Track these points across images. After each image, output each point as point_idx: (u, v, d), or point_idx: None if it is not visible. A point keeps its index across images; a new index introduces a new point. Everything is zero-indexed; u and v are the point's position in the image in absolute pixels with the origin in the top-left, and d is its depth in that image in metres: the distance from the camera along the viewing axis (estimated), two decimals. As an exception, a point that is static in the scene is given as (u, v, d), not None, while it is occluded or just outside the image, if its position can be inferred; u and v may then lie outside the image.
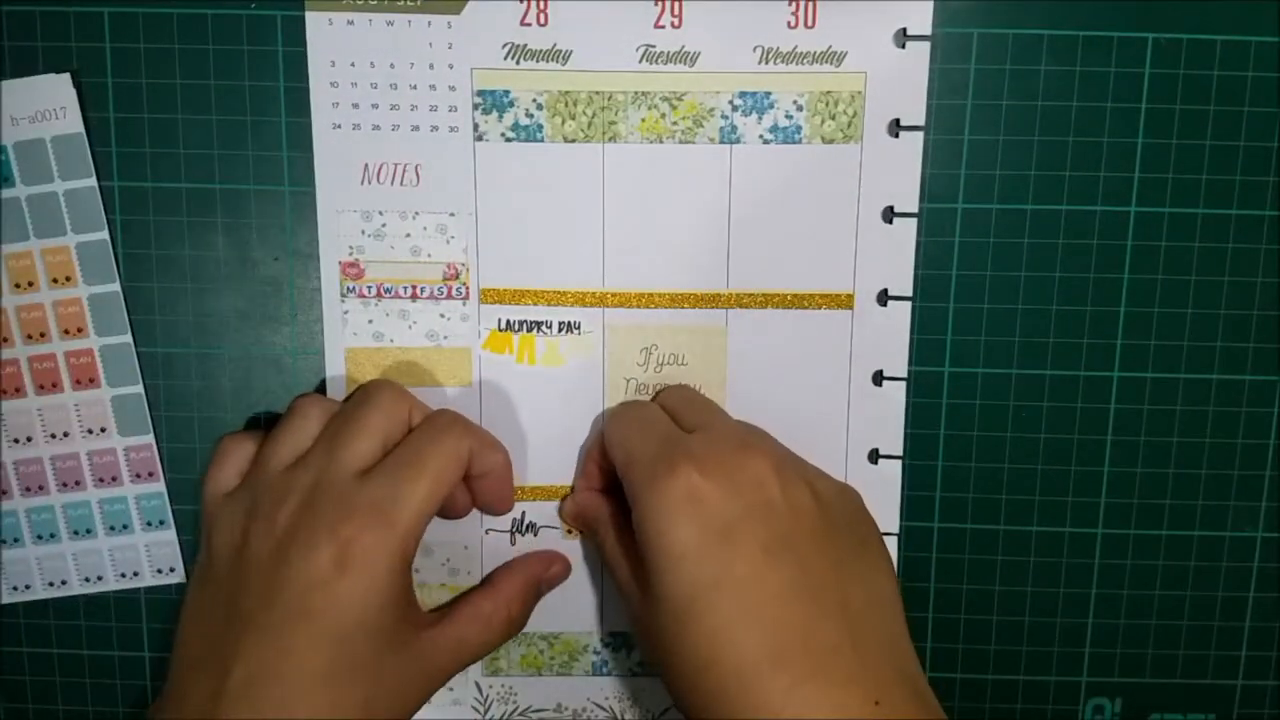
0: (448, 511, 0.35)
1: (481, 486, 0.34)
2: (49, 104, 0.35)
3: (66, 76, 0.35)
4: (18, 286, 0.36)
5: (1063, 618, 0.37)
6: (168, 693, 0.29)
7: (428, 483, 0.30)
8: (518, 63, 0.34)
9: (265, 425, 0.36)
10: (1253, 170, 0.35)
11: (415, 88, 0.34)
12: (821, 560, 0.28)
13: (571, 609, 0.37)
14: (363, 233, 0.35)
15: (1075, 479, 0.37)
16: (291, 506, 0.29)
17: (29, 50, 0.35)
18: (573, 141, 0.34)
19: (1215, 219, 0.35)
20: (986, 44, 0.34)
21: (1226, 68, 0.34)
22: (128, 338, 0.36)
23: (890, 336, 0.35)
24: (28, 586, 0.37)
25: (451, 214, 0.35)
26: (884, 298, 0.35)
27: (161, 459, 0.37)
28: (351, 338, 0.36)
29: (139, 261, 0.36)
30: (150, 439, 0.37)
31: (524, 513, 0.37)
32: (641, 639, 0.31)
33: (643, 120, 0.34)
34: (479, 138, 0.35)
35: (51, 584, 0.37)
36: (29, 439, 0.36)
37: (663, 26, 0.34)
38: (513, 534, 0.37)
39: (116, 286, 0.36)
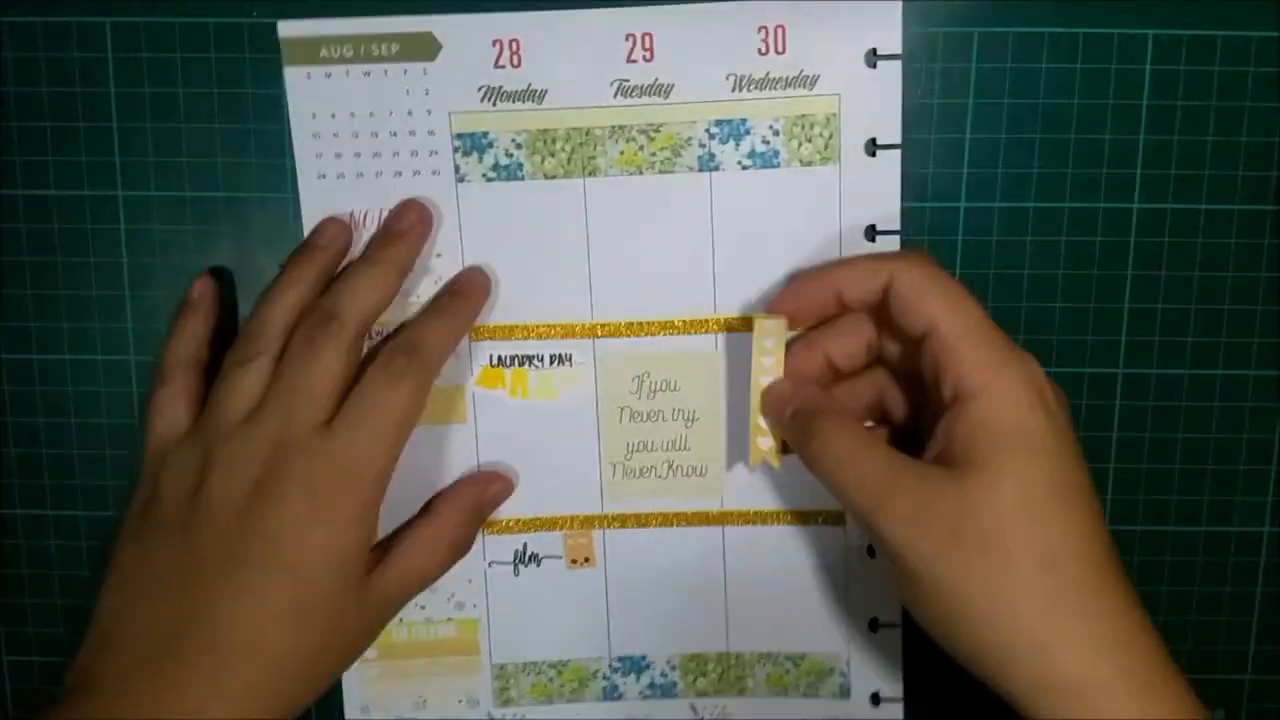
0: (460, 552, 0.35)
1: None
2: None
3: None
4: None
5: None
6: (101, 643, 0.29)
7: (394, 432, 0.31)
8: (494, 104, 0.34)
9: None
10: (1254, 166, 0.35)
11: (395, 135, 0.34)
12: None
13: (579, 635, 0.37)
14: None
15: (1081, 476, 0.37)
16: (257, 461, 0.30)
17: (32, 61, 0.35)
18: (553, 178, 0.35)
19: (1218, 214, 0.35)
20: (987, 42, 0.34)
21: (1227, 63, 0.34)
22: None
23: None
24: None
25: (438, 255, 0.35)
26: None
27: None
28: None
29: (144, 270, 0.36)
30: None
31: (525, 544, 0.37)
32: (920, 537, 0.28)
33: (621, 153, 0.34)
34: (460, 179, 0.35)
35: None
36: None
37: (635, 60, 0.34)
38: (515, 565, 0.37)
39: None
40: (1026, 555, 0.27)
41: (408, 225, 0.34)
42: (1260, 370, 0.36)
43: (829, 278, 0.32)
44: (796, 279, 0.34)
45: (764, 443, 0.33)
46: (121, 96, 0.35)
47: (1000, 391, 0.28)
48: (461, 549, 0.35)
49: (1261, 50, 0.34)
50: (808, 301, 0.32)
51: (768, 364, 0.33)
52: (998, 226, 0.35)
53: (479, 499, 0.35)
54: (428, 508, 0.35)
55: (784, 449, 0.33)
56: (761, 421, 0.33)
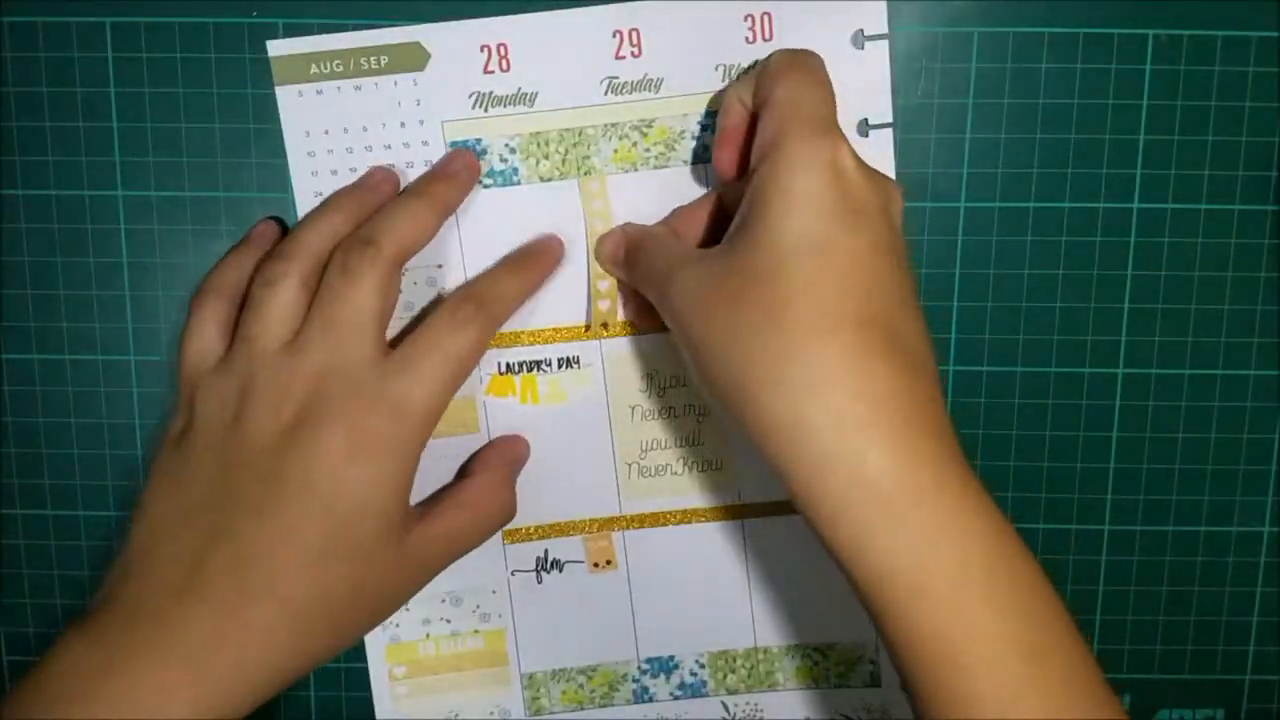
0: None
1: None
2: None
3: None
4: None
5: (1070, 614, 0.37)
6: (127, 568, 0.29)
7: (449, 378, 0.30)
8: (486, 110, 0.34)
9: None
10: (1254, 165, 0.35)
11: (390, 147, 0.34)
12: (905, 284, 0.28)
13: (606, 639, 0.37)
14: None
15: (1081, 476, 0.37)
16: (299, 393, 0.29)
17: (32, 61, 0.35)
18: (549, 181, 0.35)
19: (1218, 214, 0.35)
20: (987, 42, 0.34)
21: (1227, 63, 0.34)
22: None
23: None
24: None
25: (439, 265, 0.35)
26: None
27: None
28: None
29: (144, 270, 0.36)
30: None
31: (546, 550, 0.37)
32: (696, 301, 0.28)
33: (615, 151, 0.34)
34: None
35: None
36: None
37: (623, 57, 0.34)
38: (538, 573, 0.37)
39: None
40: (763, 301, 0.26)
41: (455, 170, 0.34)
42: (1260, 370, 0.36)
43: (733, 95, 0.31)
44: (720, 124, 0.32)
45: (603, 305, 0.34)
46: (122, 96, 0.35)
47: (785, 154, 0.27)
48: (506, 511, 0.34)
49: (1261, 50, 0.34)
50: (733, 136, 0.31)
51: (599, 226, 0.34)
52: (998, 226, 0.35)
53: (510, 458, 0.35)
54: (468, 470, 0.35)
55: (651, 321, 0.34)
56: (601, 285, 0.34)
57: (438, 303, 0.32)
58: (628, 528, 0.37)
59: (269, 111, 0.35)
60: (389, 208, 0.32)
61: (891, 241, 0.28)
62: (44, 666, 0.27)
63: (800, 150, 0.27)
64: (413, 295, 0.35)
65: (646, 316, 0.34)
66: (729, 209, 0.32)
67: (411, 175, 0.35)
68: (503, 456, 0.35)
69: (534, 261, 0.34)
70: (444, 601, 0.37)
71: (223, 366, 0.30)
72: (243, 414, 0.29)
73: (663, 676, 0.38)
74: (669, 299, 0.29)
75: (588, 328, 0.35)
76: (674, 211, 0.34)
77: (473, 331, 0.31)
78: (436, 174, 0.34)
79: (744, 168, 0.31)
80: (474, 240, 0.35)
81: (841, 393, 0.25)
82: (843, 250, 0.26)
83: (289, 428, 0.29)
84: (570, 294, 0.35)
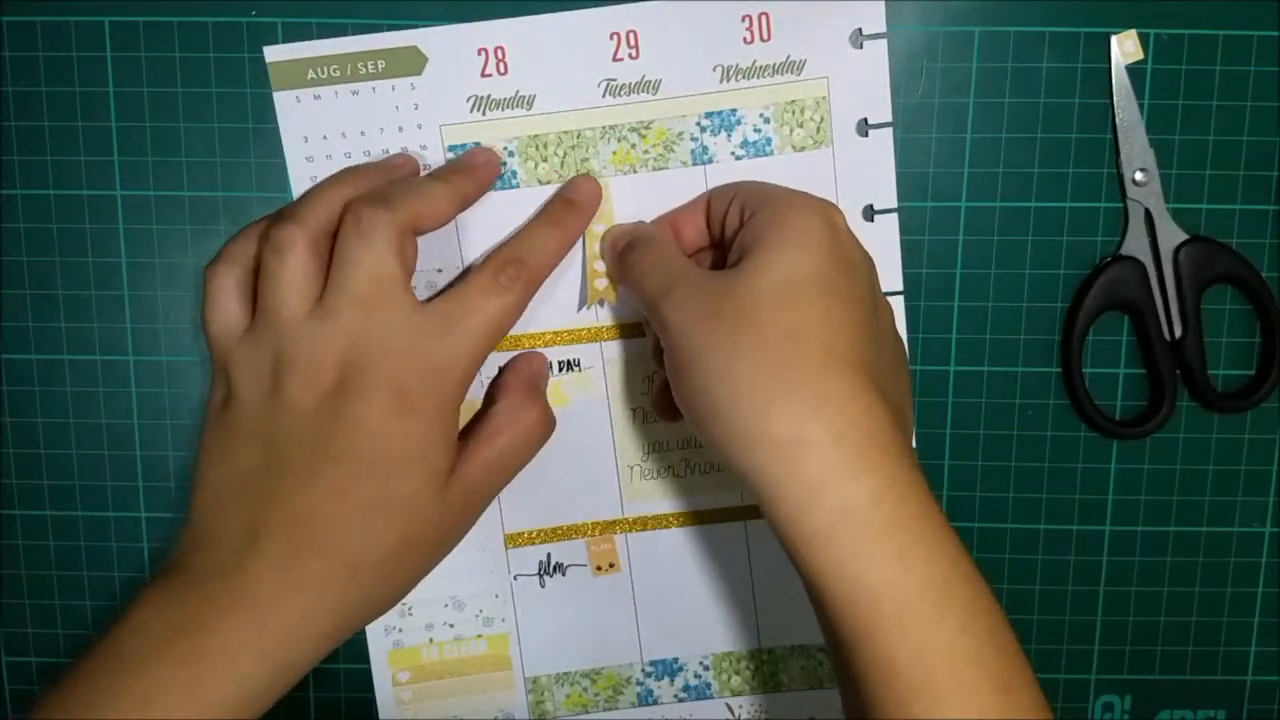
0: None
1: None
2: None
3: None
4: None
5: (1071, 615, 0.37)
6: (193, 535, 0.29)
7: (487, 340, 0.31)
8: (484, 114, 0.34)
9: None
10: (1256, 165, 0.35)
11: (388, 152, 0.34)
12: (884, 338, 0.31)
13: (609, 642, 0.37)
14: None
15: (1082, 476, 0.37)
16: (333, 360, 0.29)
17: (30, 60, 0.35)
18: (548, 183, 0.35)
19: (1219, 214, 0.35)
20: (988, 41, 0.34)
21: (1228, 62, 0.34)
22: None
23: None
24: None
25: (439, 270, 0.35)
26: None
27: (170, 465, 0.37)
28: None
29: (143, 270, 0.36)
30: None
31: (549, 554, 0.37)
32: (699, 318, 0.29)
33: (614, 153, 0.34)
34: None
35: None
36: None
37: (621, 59, 0.34)
38: (540, 576, 0.37)
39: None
40: (774, 326, 0.27)
41: (476, 164, 0.33)
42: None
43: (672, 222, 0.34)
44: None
45: (600, 283, 0.34)
46: (120, 95, 0.35)
47: (789, 201, 0.30)
48: (541, 426, 0.33)
49: (1262, 49, 0.34)
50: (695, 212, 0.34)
51: (597, 229, 0.34)
52: (999, 226, 0.35)
53: (528, 374, 0.35)
54: (498, 392, 0.34)
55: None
56: (598, 265, 0.34)
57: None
58: (630, 530, 0.37)
59: (267, 111, 0.35)
60: (405, 180, 0.32)
61: (877, 300, 0.30)
62: (121, 628, 0.28)
63: (806, 200, 0.30)
64: None
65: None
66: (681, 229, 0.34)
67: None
68: (520, 375, 0.35)
69: (574, 214, 0.34)
70: (447, 606, 0.37)
71: (250, 338, 0.30)
72: (280, 385, 0.29)
73: (667, 679, 0.37)
74: (665, 310, 0.29)
75: (582, 306, 0.35)
76: (674, 211, 0.34)
77: (515, 294, 0.31)
78: (458, 165, 0.34)
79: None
80: (473, 243, 0.35)
81: (844, 420, 0.26)
82: (846, 296, 0.28)
83: (328, 394, 0.29)
84: (571, 294, 0.35)
